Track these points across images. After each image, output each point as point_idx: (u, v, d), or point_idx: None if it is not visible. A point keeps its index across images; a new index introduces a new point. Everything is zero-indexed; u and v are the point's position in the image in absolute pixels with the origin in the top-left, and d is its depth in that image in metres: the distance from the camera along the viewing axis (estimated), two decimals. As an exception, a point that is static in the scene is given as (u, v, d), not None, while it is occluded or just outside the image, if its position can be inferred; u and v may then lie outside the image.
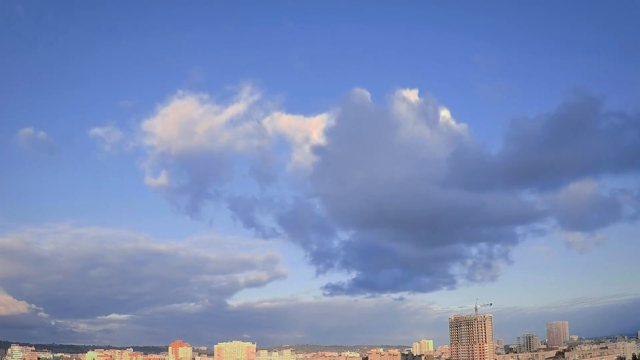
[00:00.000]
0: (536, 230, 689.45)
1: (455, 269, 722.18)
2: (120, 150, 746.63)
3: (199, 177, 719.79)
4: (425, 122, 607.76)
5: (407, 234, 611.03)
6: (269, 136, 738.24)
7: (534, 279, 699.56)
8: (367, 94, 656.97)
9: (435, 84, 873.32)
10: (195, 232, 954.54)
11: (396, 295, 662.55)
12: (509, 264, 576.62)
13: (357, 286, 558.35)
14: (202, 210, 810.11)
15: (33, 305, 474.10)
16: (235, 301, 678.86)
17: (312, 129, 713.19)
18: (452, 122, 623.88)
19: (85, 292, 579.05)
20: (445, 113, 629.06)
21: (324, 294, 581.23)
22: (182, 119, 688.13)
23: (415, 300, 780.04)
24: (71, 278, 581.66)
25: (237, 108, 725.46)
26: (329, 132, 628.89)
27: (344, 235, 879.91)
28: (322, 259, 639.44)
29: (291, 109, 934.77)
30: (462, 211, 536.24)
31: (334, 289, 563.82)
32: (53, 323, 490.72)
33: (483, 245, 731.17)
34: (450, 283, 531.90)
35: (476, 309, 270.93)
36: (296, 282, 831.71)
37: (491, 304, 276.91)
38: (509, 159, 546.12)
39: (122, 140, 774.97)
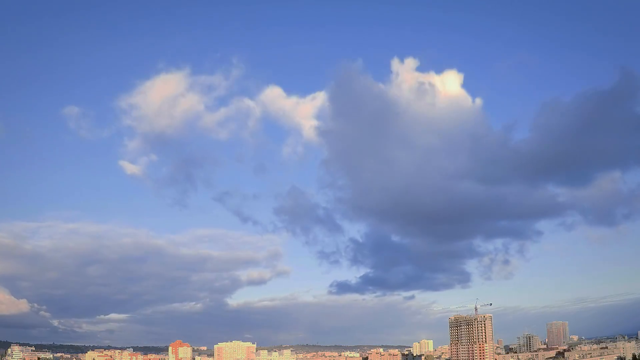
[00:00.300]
0: (559, 225, 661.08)
1: (471, 265, 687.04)
2: (98, 134, 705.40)
3: (187, 164, 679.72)
4: (434, 100, 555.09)
5: (419, 229, 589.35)
6: (262, 118, 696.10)
7: (551, 278, 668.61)
8: (363, 67, 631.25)
9: (444, 56, 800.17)
10: (188, 225, 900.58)
11: (408, 294, 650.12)
12: (526, 261, 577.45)
13: (366, 284, 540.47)
14: (192, 203, 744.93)
15: (35, 305, 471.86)
16: (235, 300, 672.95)
17: (307, 110, 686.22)
18: (468, 103, 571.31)
19: (83, 291, 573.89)
20: (456, 89, 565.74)
21: (330, 292, 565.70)
22: (164, 97, 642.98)
23: (426, 299, 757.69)
24: (69, 276, 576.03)
25: (224, 85, 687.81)
26: (326, 116, 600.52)
27: (351, 230, 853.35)
28: (327, 256, 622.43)
29: (284, 86, 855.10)
30: (479, 204, 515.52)
31: (341, 287, 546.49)
32: (56, 323, 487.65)
33: (500, 241, 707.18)
34: (465, 281, 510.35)
35: (476, 309, 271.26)
36: (300, 279, 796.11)
37: (491, 304, 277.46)
38: (534, 147, 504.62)
39: (99, 121, 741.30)
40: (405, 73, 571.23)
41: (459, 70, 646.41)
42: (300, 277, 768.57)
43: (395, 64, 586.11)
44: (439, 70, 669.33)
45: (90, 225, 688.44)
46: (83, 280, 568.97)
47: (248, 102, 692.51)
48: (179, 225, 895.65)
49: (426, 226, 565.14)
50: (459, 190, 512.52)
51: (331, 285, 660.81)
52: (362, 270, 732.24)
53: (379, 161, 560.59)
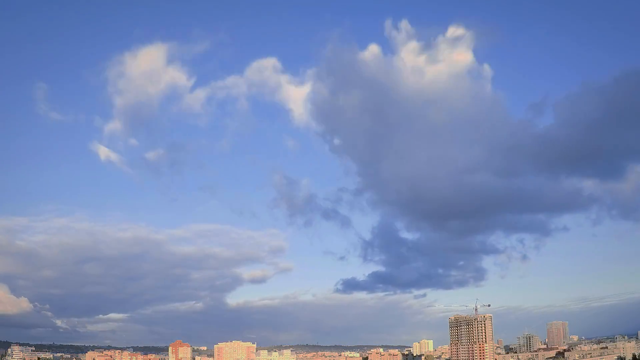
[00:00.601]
0: (583, 221, 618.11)
1: (488, 262, 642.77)
2: (75, 116, 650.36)
3: (171, 149, 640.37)
4: (439, 76, 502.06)
5: (431, 223, 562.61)
6: (252, 97, 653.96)
7: (565, 275, 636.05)
8: (355, 34, 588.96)
9: (448, 16, 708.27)
10: (183, 219, 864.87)
11: (419, 292, 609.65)
12: (543, 258, 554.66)
13: (375, 282, 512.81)
14: (181, 194, 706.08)
15: (36, 304, 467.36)
16: (235, 300, 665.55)
17: (302, 91, 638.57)
18: (481, 82, 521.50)
19: (81, 289, 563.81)
20: (467, 59, 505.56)
21: (337, 290, 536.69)
22: (146, 75, 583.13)
23: (438, 297, 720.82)
24: (66, 274, 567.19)
25: (210, 58, 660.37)
26: (324, 98, 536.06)
27: (359, 225, 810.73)
28: (333, 252, 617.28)
29: (275, 58, 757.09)
30: (495, 198, 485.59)
31: (348, 284, 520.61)
32: (59, 322, 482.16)
33: (518, 237, 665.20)
34: (479, 279, 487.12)
35: (476, 309, 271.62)
36: (303, 276, 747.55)
37: (489, 305, 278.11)
38: (560, 135, 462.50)
39: (77, 101, 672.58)
40: (402, 42, 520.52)
41: (467, 29, 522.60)
42: (303, 273, 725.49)
43: (388, 27, 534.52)
44: (442, 29, 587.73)
45: (81, 219, 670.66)
46: (81, 279, 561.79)
47: (237, 79, 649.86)
48: (174, 219, 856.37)
49: (439, 221, 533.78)
50: (474, 182, 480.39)
51: (337, 283, 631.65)
52: (372, 268, 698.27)
53: (385, 150, 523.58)
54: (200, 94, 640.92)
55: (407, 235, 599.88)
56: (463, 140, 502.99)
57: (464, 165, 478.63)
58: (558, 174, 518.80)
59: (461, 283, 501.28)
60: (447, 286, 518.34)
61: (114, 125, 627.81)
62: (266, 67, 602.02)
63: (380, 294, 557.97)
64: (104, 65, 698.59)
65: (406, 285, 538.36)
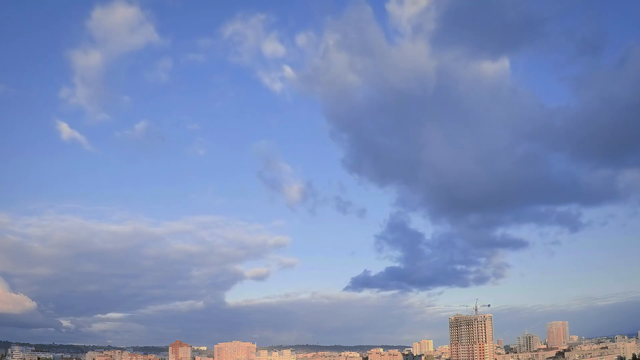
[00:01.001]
0: (613, 213, 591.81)
1: (511, 258, 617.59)
2: (37, 89, 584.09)
3: (148, 127, 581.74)
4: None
5: (449, 216, 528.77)
6: (237, 67, 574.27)
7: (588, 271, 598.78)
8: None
9: None
10: (180, 212, 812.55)
11: (436, 290, 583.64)
12: (567, 256, 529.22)
13: (386, 279, 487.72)
14: (169, 181, 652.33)
15: (37, 303, 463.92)
16: (235, 299, 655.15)
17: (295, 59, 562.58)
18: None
19: (79, 286, 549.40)
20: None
21: (347, 288, 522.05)
22: (113, 31, 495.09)
23: (454, 294, 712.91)
24: (63, 272, 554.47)
25: (189, 17, 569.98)
26: (316, 68, 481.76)
27: (371, 217, 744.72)
28: (342, 246, 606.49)
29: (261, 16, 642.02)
30: (519, 188, 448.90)
31: (358, 282, 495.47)
32: (60, 322, 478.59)
33: (540, 231, 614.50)
34: (499, 276, 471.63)
35: (476, 309, 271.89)
36: (307, 273, 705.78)
37: (489, 305, 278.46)
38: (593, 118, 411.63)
39: (34, 71, 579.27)
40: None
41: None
42: (307, 270, 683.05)
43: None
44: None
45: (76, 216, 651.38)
46: (77, 277, 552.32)
47: (220, 42, 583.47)
48: (171, 211, 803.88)
49: (458, 213, 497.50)
50: (497, 170, 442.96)
51: (347, 281, 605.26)
52: (384, 264, 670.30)
53: (400, 134, 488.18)
54: (169, 61, 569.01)
55: (423, 229, 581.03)
56: (484, 121, 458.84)
57: (485, 151, 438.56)
58: (590, 162, 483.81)
59: (480, 280, 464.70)
60: (464, 284, 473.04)
61: (78, 99, 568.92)
62: (253, 26, 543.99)
63: (393, 292, 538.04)
64: (64, 27, 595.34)
65: (422, 282, 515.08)
